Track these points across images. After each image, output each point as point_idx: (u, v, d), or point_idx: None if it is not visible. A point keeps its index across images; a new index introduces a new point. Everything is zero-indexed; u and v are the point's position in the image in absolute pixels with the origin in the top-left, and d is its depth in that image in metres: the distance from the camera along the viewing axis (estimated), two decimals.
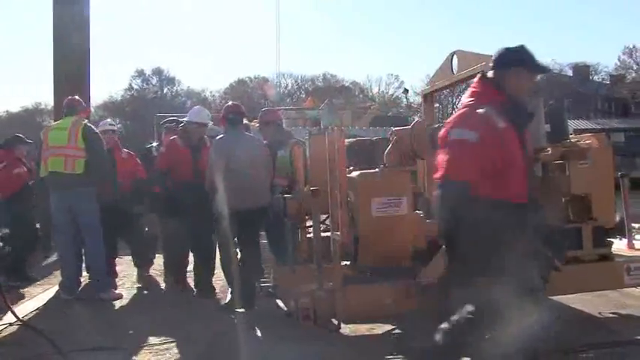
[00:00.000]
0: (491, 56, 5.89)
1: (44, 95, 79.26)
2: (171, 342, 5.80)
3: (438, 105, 51.66)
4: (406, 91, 48.60)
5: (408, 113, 39.32)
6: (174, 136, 8.00)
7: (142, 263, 8.39)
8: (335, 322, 5.65)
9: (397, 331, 5.88)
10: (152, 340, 5.88)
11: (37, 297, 7.70)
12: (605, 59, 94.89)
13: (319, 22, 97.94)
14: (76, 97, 8.04)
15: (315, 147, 6.52)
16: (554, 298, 5.98)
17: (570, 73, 66.01)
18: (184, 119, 8.13)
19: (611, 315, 6.44)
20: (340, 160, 5.55)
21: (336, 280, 5.28)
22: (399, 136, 6.50)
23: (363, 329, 5.99)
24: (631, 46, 65.27)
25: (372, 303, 5.44)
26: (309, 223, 6.67)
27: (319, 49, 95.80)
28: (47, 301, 7.50)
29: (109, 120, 9.15)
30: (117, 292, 7.78)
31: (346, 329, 5.93)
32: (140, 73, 68.70)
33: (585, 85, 64.19)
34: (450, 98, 54.48)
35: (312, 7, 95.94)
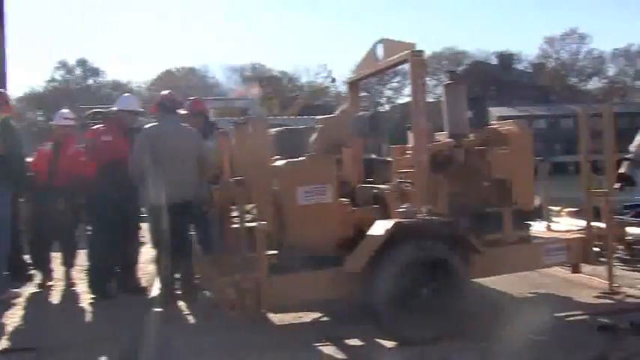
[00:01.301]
0: (414, 44, 6.02)
1: None
2: (95, 340, 5.68)
3: (366, 93, 52.16)
4: (333, 80, 48.96)
5: (336, 102, 39.52)
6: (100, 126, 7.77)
7: (70, 262, 8.10)
8: (262, 311, 5.63)
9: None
10: (76, 338, 5.75)
11: None
12: (527, 48, 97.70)
13: (247, 12, 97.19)
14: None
15: (240, 137, 6.45)
16: (478, 280, 6.14)
17: (495, 61, 67.63)
18: (113, 108, 7.89)
19: (530, 295, 6.66)
20: (264, 150, 5.52)
21: (261, 270, 5.25)
22: (325, 124, 6.49)
23: (290, 318, 6.00)
24: (551, 36, 67.38)
25: (298, 292, 5.44)
26: (235, 213, 6.62)
27: (248, 39, 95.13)
28: None
29: (65, 111, 8.68)
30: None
31: (273, 318, 5.93)
32: (63, 64, 66.88)
33: (509, 72, 65.88)
34: (378, 87, 55.04)
35: None
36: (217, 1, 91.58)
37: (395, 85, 59.48)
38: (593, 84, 67.56)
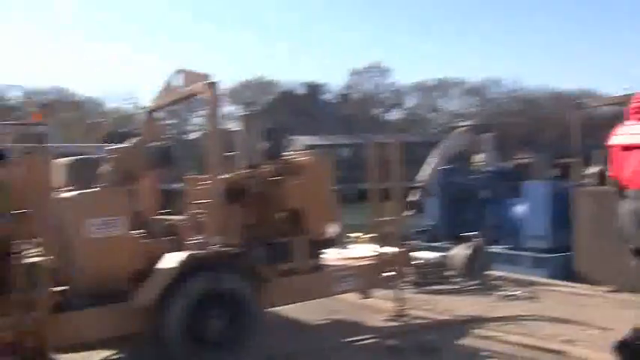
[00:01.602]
0: (210, 75, 6.04)
1: None
2: None
3: (174, 121, 51.51)
4: (140, 108, 48.03)
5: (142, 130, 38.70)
6: None
7: None
8: (46, 353, 5.28)
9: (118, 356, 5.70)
10: None
11: None
12: (335, 79, 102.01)
13: (51, 32, 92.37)
14: None
15: (25, 166, 6.07)
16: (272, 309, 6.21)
17: (302, 91, 69.61)
18: None
19: (323, 321, 6.86)
20: (49, 181, 5.24)
21: (44, 308, 4.94)
22: (119, 153, 6.31)
23: (78, 358, 5.69)
24: (356, 69, 70.91)
25: (85, 330, 5.17)
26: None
27: (52, 61, 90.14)
28: None
29: None
30: None
31: (60, 359, 5.60)
32: None
33: (316, 103, 68.13)
34: (187, 114, 54.64)
35: (36, 14, 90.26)
36: (22, 21, 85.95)
37: (204, 112, 59.36)
38: (394, 115, 71.66)
